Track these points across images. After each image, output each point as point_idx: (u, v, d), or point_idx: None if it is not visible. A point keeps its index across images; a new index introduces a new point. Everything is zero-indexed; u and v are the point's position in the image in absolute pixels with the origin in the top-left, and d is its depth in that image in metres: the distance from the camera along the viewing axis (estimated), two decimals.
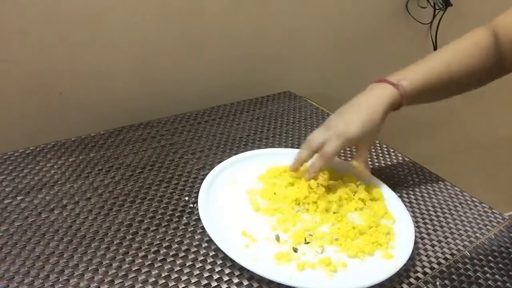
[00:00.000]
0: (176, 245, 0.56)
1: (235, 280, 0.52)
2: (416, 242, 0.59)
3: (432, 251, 0.59)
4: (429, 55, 0.67)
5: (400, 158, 0.79)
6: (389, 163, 0.78)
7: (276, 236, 0.57)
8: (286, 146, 0.79)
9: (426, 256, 0.58)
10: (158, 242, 0.56)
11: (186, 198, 0.65)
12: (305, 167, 0.66)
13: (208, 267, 0.53)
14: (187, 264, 0.54)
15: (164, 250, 0.55)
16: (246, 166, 0.71)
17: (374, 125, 0.62)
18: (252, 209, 0.62)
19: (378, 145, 0.83)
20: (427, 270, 0.56)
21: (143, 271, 0.52)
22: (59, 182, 0.65)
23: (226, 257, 0.54)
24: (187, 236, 0.58)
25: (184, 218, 0.61)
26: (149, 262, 0.53)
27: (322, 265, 0.54)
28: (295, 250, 0.56)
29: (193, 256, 0.55)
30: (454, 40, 0.67)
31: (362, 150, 0.65)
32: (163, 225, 0.59)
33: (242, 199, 0.64)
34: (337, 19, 1.10)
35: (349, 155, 0.79)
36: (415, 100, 0.65)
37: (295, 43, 1.06)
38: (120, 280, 0.51)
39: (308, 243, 0.57)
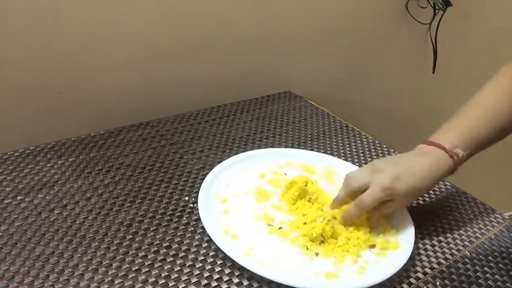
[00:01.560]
0: (176, 245, 0.56)
1: (235, 280, 0.52)
2: (416, 242, 0.59)
3: (432, 251, 0.59)
4: (469, 102, 0.63)
5: None
6: None
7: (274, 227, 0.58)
8: (286, 146, 0.79)
9: (426, 256, 0.58)
10: (158, 242, 0.56)
11: (186, 198, 0.65)
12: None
13: (208, 267, 0.53)
14: (187, 264, 0.54)
15: (164, 250, 0.55)
16: (246, 166, 0.71)
17: (419, 194, 0.59)
18: (252, 208, 0.62)
19: (378, 145, 0.83)
20: (427, 270, 0.56)
21: (143, 271, 0.52)
22: (59, 182, 0.65)
23: (226, 257, 0.54)
24: (187, 236, 0.58)
25: (184, 218, 0.61)
26: (149, 262, 0.53)
27: (322, 266, 0.54)
28: (317, 254, 0.56)
29: (193, 256, 0.55)
30: (490, 82, 0.63)
31: (389, 207, 0.58)
32: (163, 225, 0.59)
33: (242, 199, 0.64)
34: (337, 19, 1.10)
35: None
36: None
37: (295, 43, 1.06)
38: (120, 280, 0.51)
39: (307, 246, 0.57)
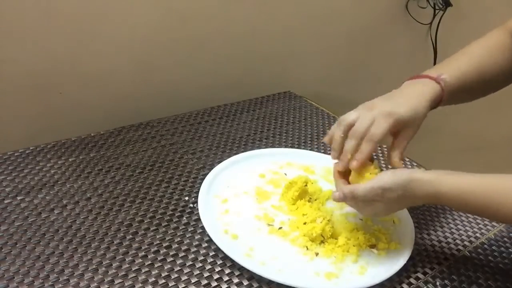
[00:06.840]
0: (176, 245, 0.56)
1: (235, 280, 0.52)
2: (416, 242, 0.59)
3: (432, 251, 0.59)
4: (459, 51, 0.64)
5: None
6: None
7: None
8: (286, 146, 0.79)
9: (426, 256, 0.58)
10: (158, 242, 0.56)
11: (186, 198, 0.65)
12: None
13: (208, 267, 0.53)
14: (187, 264, 0.54)
15: (164, 250, 0.55)
16: (246, 166, 0.71)
17: (421, 114, 0.56)
18: (252, 208, 0.62)
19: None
20: (427, 270, 0.56)
21: (143, 271, 0.52)
22: (59, 182, 0.65)
23: (226, 257, 0.54)
24: (187, 236, 0.58)
25: (184, 218, 0.61)
26: (149, 262, 0.53)
27: (322, 266, 0.54)
28: (317, 254, 0.56)
29: (193, 256, 0.55)
30: (479, 39, 0.64)
31: (401, 140, 0.57)
32: (163, 225, 0.59)
33: (242, 199, 0.64)
34: (337, 19, 1.10)
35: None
36: (453, 97, 0.60)
37: (295, 43, 1.06)
38: (120, 280, 0.51)
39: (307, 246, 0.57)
